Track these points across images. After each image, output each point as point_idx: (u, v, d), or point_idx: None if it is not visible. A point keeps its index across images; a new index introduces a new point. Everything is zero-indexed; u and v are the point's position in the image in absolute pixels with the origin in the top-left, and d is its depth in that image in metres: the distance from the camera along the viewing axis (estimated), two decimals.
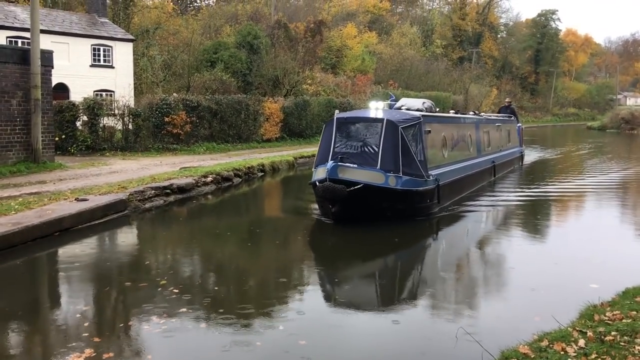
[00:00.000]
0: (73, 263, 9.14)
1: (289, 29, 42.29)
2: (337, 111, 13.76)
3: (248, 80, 35.28)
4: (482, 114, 23.88)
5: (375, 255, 10.15)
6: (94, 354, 5.66)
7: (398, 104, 15.54)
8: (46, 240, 10.08)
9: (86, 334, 6.20)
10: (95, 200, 12.13)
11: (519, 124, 26.26)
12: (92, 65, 31.06)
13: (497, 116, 24.13)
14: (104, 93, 30.23)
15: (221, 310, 7.05)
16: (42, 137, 17.62)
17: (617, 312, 6.33)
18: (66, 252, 9.88)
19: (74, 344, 5.95)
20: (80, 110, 22.50)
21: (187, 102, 24.84)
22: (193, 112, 24.83)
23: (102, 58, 31.59)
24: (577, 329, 5.86)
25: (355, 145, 12.22)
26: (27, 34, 23.56)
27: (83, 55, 30.60)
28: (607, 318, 6.16)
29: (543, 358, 5.24)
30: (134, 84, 32.29)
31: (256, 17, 44.20)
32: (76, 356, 5.60)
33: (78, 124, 22.74)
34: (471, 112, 21.99)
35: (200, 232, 11.94)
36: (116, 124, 23.76)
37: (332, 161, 11.59)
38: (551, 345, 5.45)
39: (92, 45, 31.17)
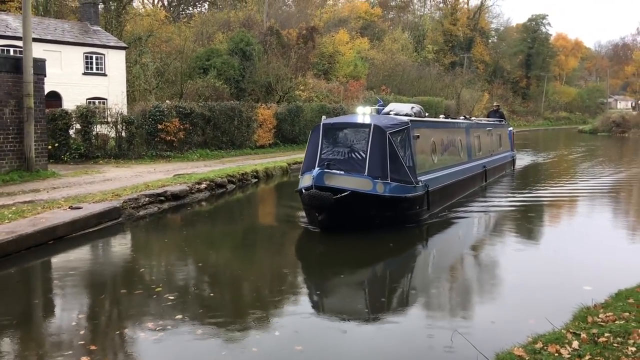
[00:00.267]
0: (67, 271, 9.13)
1: (281, 36, 42.38)
2: (324, 117, 13.68)
3: (241, 86, 35.32)
4: (473, 118, 23.81)
5: (364, 263, 9.97)
6: None
7: (386, 109, 15.34)
8: (40, 249, 10.06)
9: (82, 342, 6.19)
10: (89, 208, 12.11)
11: (510, 128, 26.20)
12: (84, 73, 31.01)
13: (488, 120, 24.00)
14: (96, 101, 30.18)
15: (216, 317, 7.07)
16: (35, 145, 17.57)
17: (610, 313, 6.39)
18: (60, 260, 9.86)
19: (69, 352, 5.95)
20: (73, 118, 22.45)
21: (181, 109, 24.84)
22: (186, 119, 24.83)
23: (94, 66, 31.55)
24: (571, 330, 5.91)
25: (342, 151, 12.01)
26: (19, 43, 23.49)
27: (75, 63, 30.55)
28: (600, 320, 6.22)
29: None
30: (127, 91, 32.25)
31: (248, 24, 44.26)
32: None
33: (71, 132, 22.69)
34: (462, 117, 21.90)
35: (194, 239, 11.92)
36: (109, 132, 23.72)
37: (318, 168, 11.36)
38: (545, 348, 5.50)
39: (84, 53, 31.13)
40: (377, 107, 15.22)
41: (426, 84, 60.46)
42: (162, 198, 14.51)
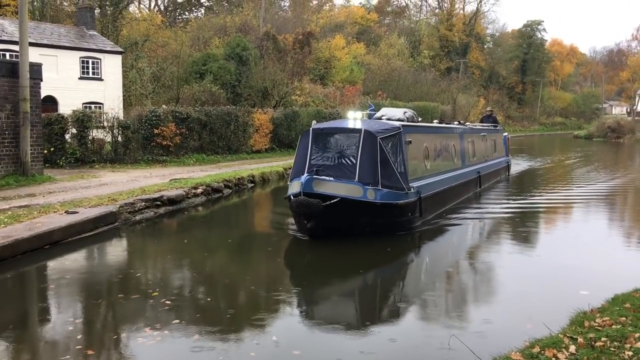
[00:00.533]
0: (64, 276, 9.09)
1: (277, 41, 42.49)
2: (314, 121, 13.51)
3: (237, 91, 35.36)
4: (468, 123, 23.61)
5: (355, 271, 9.69)
6: None
7: (378, 114, 15.06)
8: (36, 254, 10.03)
9: (79, 347, 6.18)
10: (85, 213, 12.08)
11: (505, 134, 26.02)
12: (80, 78, 30.99)
13: (482, 126, 23.73)
14: (92, 105, 30.16)
15: (212, 322, 7.06)
16: (30, 150, 17.54)
17: (606, 318, 6.41)
18: (57, 265, 9.83)
19: (67, 356, 5.93)
20: (69, 123, 22.41)
21: (177, 114, 24.83)
22: (182, 124, 24.81)
23: (90, 70, 31.52)
24: (568, 335, 5.92)
25: (332, 157, 11.75)
26: (15, 47, 23.49)
27: (72, 68, 30.52)
28: (597, 324, 6.24)
29: None
30: (123, 96, 32.22)
31: (245, 29, 44.35)
32: None
33: (67, 136, 22.64)
34: (456, 122, 21.71)
35: (190, 244, 11.90)
36: (105, 136, 23.68)
37: (307, 174, 11.09)
38: (542, 352, 5.50)
39: (80, 57, 31.10)
40: (368, 111, 14.88)
41: (422, 89, 60.61)
42: (159, 203, 14.49)
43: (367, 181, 11.35)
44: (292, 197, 10.99)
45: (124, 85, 33.14)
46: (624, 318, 6.37)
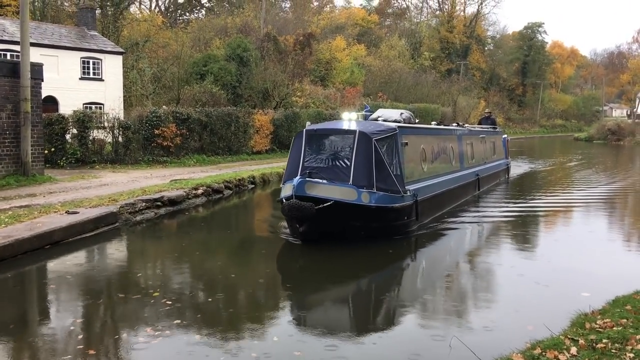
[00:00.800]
0: (65, 276, 9.09)
1: (278, 42, 42.52)
2: (308, 123, 13.29)
3: (238, 92, 35.37)
4: (466, 125, 23.33)
5: (351, 276, 9.41)
6: None
7: (375, 115, 14.73)
8: (37, 254, 10.03)
9: (80, 347, 6.17)
10: (86, 213, 12.08)
11: (504, 136, 25.78)
12: (81, 78, 31.01)
13: (482, 128, 23.39)
14: (93, 106, 30.18)
15: (213, 322, 7.06)
16: (31, 150, 17.55)
17: (607, 320, 6.41)
18: (57, 265, 9.82)
19: (68, 356, 5.93)
20: (70, 123, 22.43)
21: (177, 115, 24.85)
22: (183, 125, 24.83)
23: (91, 71, 31.54)
24: (569, 337, 5.92)
25: (326, 159, 11.40)
26: (16, 47, 23.52)
27: (72, 68, 30.54)
28: (598, 326, 6.24)
29: None
30: (124, 96, 32.25)
31: (245, 30, 44.38)
32: None
33: (67, 136, 22.65)
34: (454, 124, 21.32)
35: (190, 245, 11.89)
36: (106, 137, 23.70)
37: (299, 177, 10.75)
38: (544, 353, 5.50)
39: (81, 58, 31.12)
40: (364, 112, 14.53)
41: (423, 91, 60.65)
42: (159, 203, 14.49)
43: (362, 184, 11.04)
44: (284, 201, 10.67)
45: (124, 85, 33.17)
46: (625, 320, 6.37)
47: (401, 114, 14.87)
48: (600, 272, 9.58)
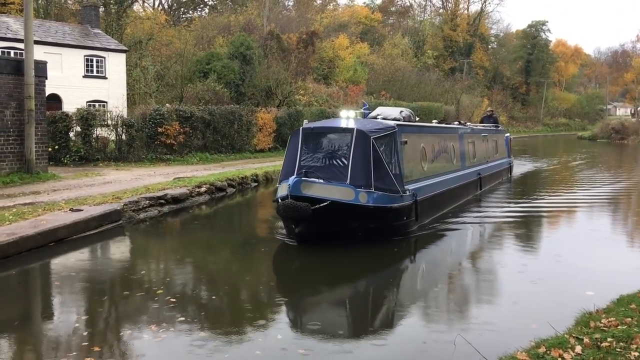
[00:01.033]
0: (69, 273, 9.11)
1: (281, 40, 42.48)
2: (305, 121, 13.12)
3: (241, 90, 35.37)
4: (468, 123, 22.88)
5: (350, 277, 9.26)
6: None
7: (374, 113, 14.46)
8: (41, 251, 10.05)
9: (85, 344, 6.19)
10: (90, 211, 12.10)
11: (507, 134, 25.57)
12: (85, 76, 31.03)
13: (484, 126, 23.18)
14: (97, 104, 30.19)
15: (217, 320, 7.07)
16: (35, 147, 17.58)
17: (612, 319, 6.39)
18: (61, 262, 9.84)
19: (73, 353, 5.94)
20: (74, 121, 22.47)
21: (181, 113, 24.87)
22: (186, 123, 24.85)
23: (95, 69, 31.57)
24: (574, 335, 5.91)
25: (323, 158, 11.12)
26: (19, 45, 23.53)
27: (76, 66, 30.56)
28: (602, 325, 6.22)
29: None
30: (127, 94, 32.28)
31: (249, 28, 44.37)
32: None
33: (71, 134, 22.70)
34: (456, 122, 20.98)
35: (193, 243, 11.91)
36: (109, 135, 23.72)
37: (295, 176, 10.49)
38: (548, 352, 5.49)
39: (85, 56, 31.15)
40: (362, 110, 14.13)
41: (426, 90, 60.60)
42: (163, 201, 14.51)
43: (360, 183, 10.75)
44: (279, 201, 10.43)
45: (128, 83, 33.19)
46: (629, 319, 6.36)
47: (401, 112, 14.59)
48: (605, 270, 9.56)
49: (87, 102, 29.42)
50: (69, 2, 46.29)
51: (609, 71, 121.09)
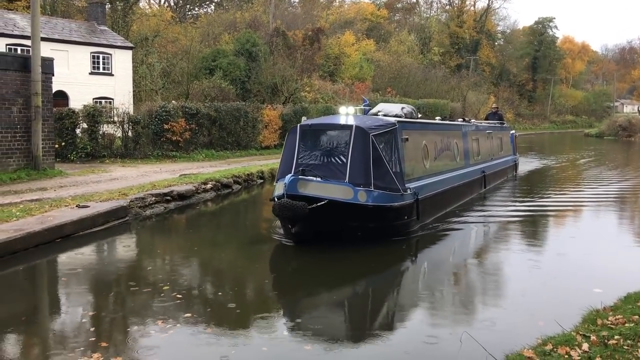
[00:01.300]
0: (75, 269, 9.15)
1: (287, 37, 42.46)
2: (304, 118, 12.91)
3: (247, 87, 35.39)
4: (473, 120, 22.53)
5: (349, 279, 8.99)
6: (101, 359, 5.68)
7: (375, 110, 14.08)
8: (48, 247, 10.09)
9: (92, 339, 6.21)
10: (96, 207, 12.14)
11: (512, 131, 25.20)
12: (91, 73, 31.14)
13: (488, 123, 22.70)
14: (103, 100, 30.29)
15: (223, 316, 7.08)
16: (42, 144, 17.64)
17: (619, 316, 6.37)
18: (68, 258, 9.89)
19: (81, 348, 5.96)
20: (80, 118, 22.55)
21: (186, 110, 24.91)
22: (192, 120, 24.89)
23: (101, 65, 31.67)
24: (581, 333, 5.89)
25: (321, 155, 10.82)
26: (26, 42, 23.61)
27: (82, 63, 30.67)
28: (609, 322, 6.20)
29: None
30: (133, 91, 32.37)
31: (254, 25, 44.36)
32: None
33: (78, 131, 22.78)
34: (460, 119, 20.56)
35: (199, 239, 11.93)
36: (116, 131, 23.81)
37: (291, 174, 10.20)
38: (555, 349, 5.48)
39: (91, 52, 31.25)
40: (362, 106, 13.72)
41: (432, 86, 60.46)
42: (169, 197, 14.54)
43: (359, 182, 10.43)
44: (275, 200, 10.08)
45: (134, 80, 33.28)
46: (637, 316, 6.32)
47: (402, 108, 14.20)
48: (612, 268, 9.51)
49: (93, 98, 29.52)
50: None
51: (617, 68, 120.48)
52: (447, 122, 17.97)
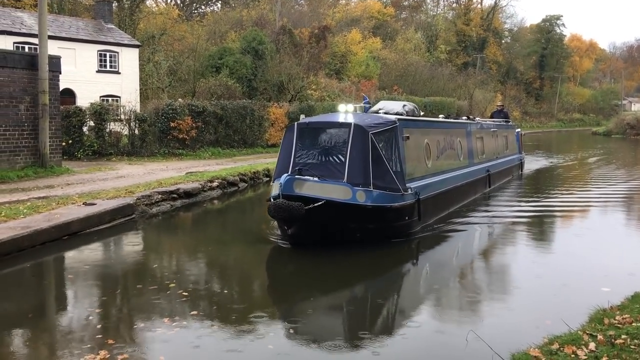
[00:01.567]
0: (82, 267, 9.19)
1: (293, 35, 42.46)
2: (302, 115, 12.74)
3: (253, 85, 35.43)
4: (477, 118, 22.22)
5: (348, 281, 8.83)
6: (108, 356, 5.70)
7: (375, 107, 13.71)
8: (55, 244, 10.13)
9: (99, 336, 6.23)
10: (103, 205, 12.17)
11: (518, 129, 24.94)
12: (98, 71, 31.24)
13: (493, 121, 22.02)
14: (110, 98, 30.40)
15: (229, 314, 7.08)
16: (49, 142, 17.72)
17: (626, 315, 6.33)
18: (75, 255, 9.93)
19: (87, 345, 5.99)
20: (87, 116, 22.64)
21: (193, 108, 24.96)
22: (199, 118, 24.94)
23: (108, 64, 31.76)
24: (588, 332, 5.86)
25: (318, 154, 10.52)
26: (33, 40, 23.73)
27: (89, 61, 30.78)
28: (617, 322, 6.16)
29: None
30: (140, 89, 32.46)
31: (261, 23, 44.36)
32: (91, 357, 5.64)
33: (85, 129, 22.87)
34: (464, 117, 20.16)
35: (205, 238, 11.94)
36: (122, 129, 23.89)
37: (287, 174, 9.87)
38: (562, 349, 5.45)
39: (98, 50, 31.34)
40: (362, 104, 13.41)
41: (438, 85, 60.29)
42: (175, 195, 14.58)
43: (357, 181, 10.12)
44: (271, 200, 9.76)
45: (140, 78, 33.37)
46: None
47: (404, 105, 13.81)
48: (619, 267, 9.44)
49: (100, 96, 29.62)
50: None
51: (624, 66, 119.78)
52: (450, 120, 17.70)
